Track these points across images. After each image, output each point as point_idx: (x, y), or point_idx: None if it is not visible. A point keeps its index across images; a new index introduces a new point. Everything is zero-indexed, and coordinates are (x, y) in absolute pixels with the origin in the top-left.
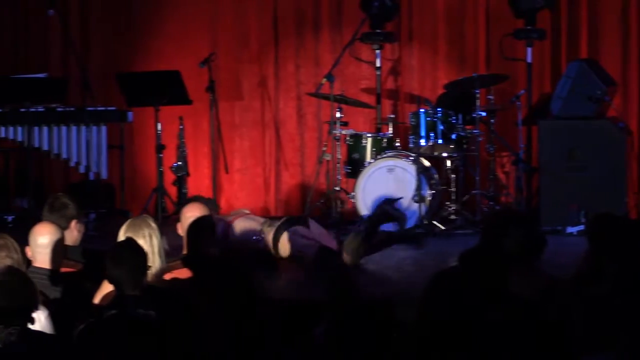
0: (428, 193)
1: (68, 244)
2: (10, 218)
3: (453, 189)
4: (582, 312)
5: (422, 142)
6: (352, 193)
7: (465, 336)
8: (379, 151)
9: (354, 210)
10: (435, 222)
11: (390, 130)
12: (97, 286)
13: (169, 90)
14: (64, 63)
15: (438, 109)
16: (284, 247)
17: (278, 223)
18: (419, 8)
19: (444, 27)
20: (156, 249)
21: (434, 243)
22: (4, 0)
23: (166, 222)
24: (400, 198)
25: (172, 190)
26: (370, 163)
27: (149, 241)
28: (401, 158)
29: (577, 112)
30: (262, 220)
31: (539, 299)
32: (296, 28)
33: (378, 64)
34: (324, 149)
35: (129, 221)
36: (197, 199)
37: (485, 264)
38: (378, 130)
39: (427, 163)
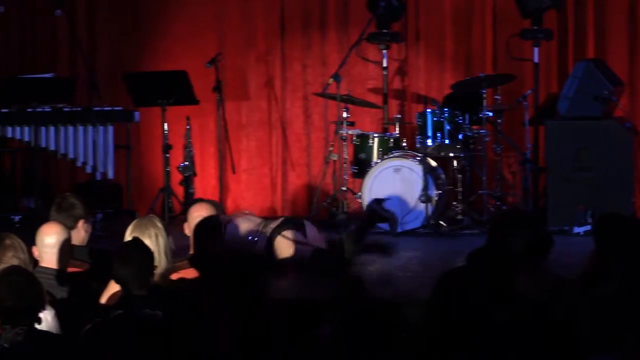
0: (435, 193)
1: (75, 243)
2: (17, 218)
3: (460, 189)
4: (589, 312)
5: (429, 142)
6: (359, 193)
7: (472, 336)
8: (385, 151)
9: (361, 211)
10: (441, 222)
11: (397, 130)
12: (103, 286)
13: (176, 90)
14: (71, 63)
15: (445, 109)
16: (279, 249)
17: (273, 225)
18: (426, 8)
19: (451, 27)
20: (162, 249)
21: (440, 243)
22: (11, 1)
23: (173, 222)
24: (389, 198)
25: (179, 190)
26: (376, 163)
27: (155, 241)
28: (408, 158)
29: (584, 112)
30: (259, 221)
31: (546, 299)
32: (303, 28)
33: (385, 64)
34: (331, 149)
35: (135, 221)
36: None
37: (492, 263)
38: (385, 130)
39: (433, 163)
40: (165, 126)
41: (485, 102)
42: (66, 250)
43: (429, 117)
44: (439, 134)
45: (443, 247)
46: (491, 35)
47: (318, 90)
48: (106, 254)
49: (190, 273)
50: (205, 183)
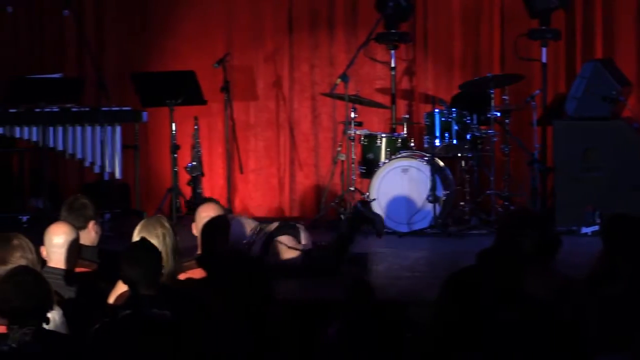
0: (442, 193)
1: (84, 244)
2: (25, 218)
3: (467, 189)
4: (597, 312)
5: (437, 142)
6: (367, 193)
7: (480, 336)
8: (393, 151)
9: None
10: (449, 223)
11: (405, 130)
12: (111, 286)
13: (184, 90)
14: (79, 63)
15: (453, 109)
16: (280, 252)
17: (269, 230)
18: (434, 8)
19: (459, 27)
20: (170, 249)
21: (448, 243)
22: (19, 1)
23: (181, 222)
24: (374, 199)
25: (187, 191)
26: (384, 163)
27: (163, 241)
28: (416, 158)
29: (592, 113)
30: (254, 224)
31: (554, 299)
32: (311, 28)
33: (393, 64)
34: (339, 149)
35: (143, 221)
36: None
37: (501, 263)
38: (393, 130)
39: (441, 163)
40: (173, 126)
41: (493, 102)
42: (74, 250)
43: (437, 117)
44: (446, 134)
45: (451, 247)
46: (499, 35)
47: (326, 91)
48: (114, 254)
49: (198, 273)
50: (213, 183)
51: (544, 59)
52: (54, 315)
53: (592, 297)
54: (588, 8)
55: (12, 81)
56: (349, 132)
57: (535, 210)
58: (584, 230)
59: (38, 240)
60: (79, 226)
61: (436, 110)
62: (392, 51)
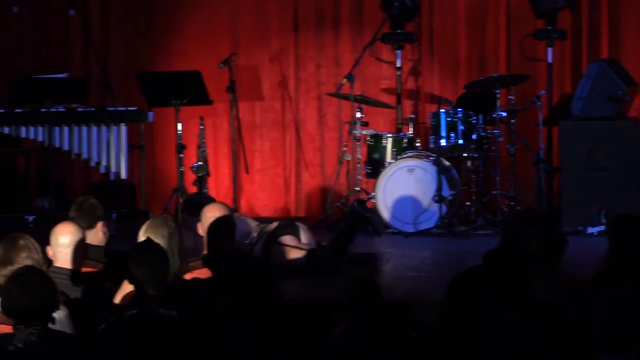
0: (448, 193)
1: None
2: (31, 218)
3: (473, 190)
4: (602, 313)
5: (443, 142)
6: (373, 193)
7: (486, 335)
8: (399, 151)
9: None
10: (455, 223)
11: (411, 130)
12: (118, 286)
13: (189, 90)
14: (85, 63)
15: (458, 109)
16: (285, 252)
17: (269, 230)
18: (440, 8)
19: (465, 27)
20: (175, 249)
21: (454, 243)
22: (25, 1)
23: (186, 222)
24: (371, 198)
25: (193, 191)
26: (390, 163)
27: (169, 241)
28: (422, 158)
29: (597, 113)
30: (254, 224)
31: (560, 299)
32: (316, 28)
33: (398, 64)
34: (344, 149)
35: (148, 221)
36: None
37: (507, 263)
38: (398, 130)
39: (447, 163)
40: (179, 126)
41: (499, 103)
42: (80, 250)
43: (443, 117)
44: (452, 134)
45: (456, 247)
46: (505, 35)
47: (332, 91)
48: (120, 254)
49: (204, 273)
50: (219, 183)
51: (549, 59)
52: (60, 315)
53: (598, 297)
54: (594, 8)
55: (18, 81)
56: (354, 132)
57: (541, 211)
58: (590, 230)
59: (44, 240)
60: (87, 226)
61: (442, 110)
62: (398, 51)
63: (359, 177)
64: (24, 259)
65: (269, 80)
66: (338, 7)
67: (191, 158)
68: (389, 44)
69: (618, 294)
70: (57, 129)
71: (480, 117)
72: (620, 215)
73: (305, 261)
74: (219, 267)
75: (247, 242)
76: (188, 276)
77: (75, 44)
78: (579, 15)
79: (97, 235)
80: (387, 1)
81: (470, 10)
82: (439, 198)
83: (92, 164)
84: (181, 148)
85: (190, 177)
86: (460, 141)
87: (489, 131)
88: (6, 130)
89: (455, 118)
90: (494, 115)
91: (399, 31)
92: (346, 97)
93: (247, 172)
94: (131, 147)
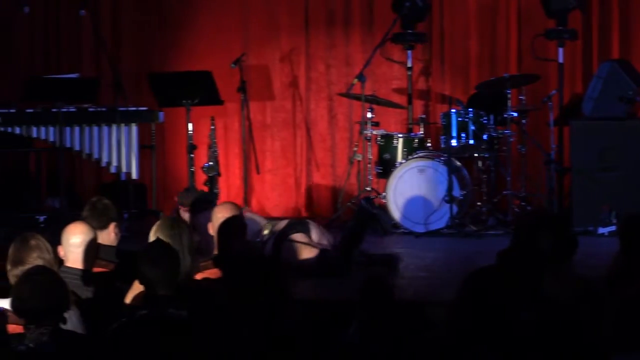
0: (459, 193)
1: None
2: (42, 218)
3: (484, 190)
4: (614, 313)
5: (454, 142)
6: (383, 194)
7: (497, 336)
8: (410, 151)
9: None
10: (466, 223)
11: (422, 130)
12: (129, 286)
13: (200, 90)
14: (96, 63)
15: (469, 109)
16: (297, 251)
17: (279, 227)
18: (450, 8)
19: (476, 27)
20: (186, 249)
21: (465, 243)
22: (36, 1)
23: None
24: (378, 195)
25: (204, 191)
26: (401, 163)
27: (179, 241)
28: (432, 158)
29: (608, 113)
30: (264, 222)
31: (571, 299)
32: (327, 28)
33: (409, 64)
34: (355, 149)
35: (159, 221)
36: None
37: (521, 263)
38: (409, 130)
39: (458, 163)
40: (190, 126)
41: (509, 103)
42: (92, 250)
43: (454, 117)
44: (463, 134)
45: (467, 247)
46: (516, 35)
47: (342, 91)
48: (131, 254)
49: (214, 273)
50: (230, 183)
51: (560, 59)
52: (71, 315)
53: (609, 297)
54: (604, 8)
55: (29, 81)
56: (365, 132)
57: (552, 211)
58: (601, 230)
59: (55, 241)
60: (99, 227)
61: (453, 110)
62: (409, 51)
63: (370, 177)
64: (35, 259)
65: (279, 80)
66: (349, 7)
67: (202, 158)
68: (400, 44)
69: (630, 293)
70: (68, 129)
71: (491, 117)
72: (631, 216)
73: (316, 261)
74: (229, 267)
75: (258, 240)
76: (199, 276)
77: (86, 44)
78: (590, 15)
79: (109, 236)
80: (398, 1)
81: (481, 10)
82: (449, 198)
83: (103, 164)
84: (192, 148)
85: (201, 177)
86: (471, 141)
87: (499, 131)
88: (17, 130)
89: (466, 118)
90: (505, 116)
91: (409, 31)
92: (357, 97)
93: (258, 172)
94: (142, 147)
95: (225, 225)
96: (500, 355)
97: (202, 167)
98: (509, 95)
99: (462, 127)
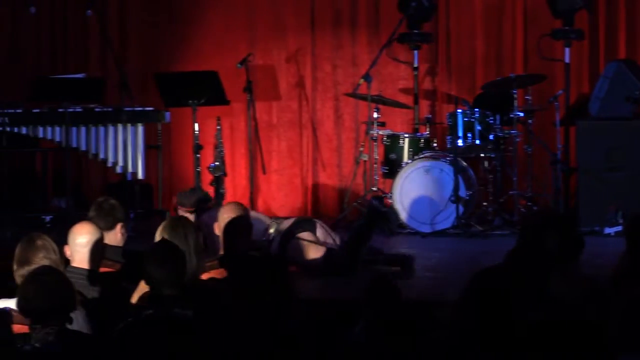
0: (465, 193)
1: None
2: (48, 218)
3: (490, 190)
4: (620, 313)
5: (460, 142)
6: (389, 194)
7: (503, 336)
8: (416, 152)
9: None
10: (472, 223)
11: (428, 130)
12: (135, 286)
13: (206, 90)
14: (102, 63)
15: (475, 110)
16: (305, 250)
17: (285, 226)
18: (457, 8)
19: (482, 27)
20: (192, 249)
21: (471, 244)
22: (43, 1)
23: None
24: (388, 194)
25: (210, 191)
26: (407, 163)
27: (185, 241)
28: (438, 159)
29: (615, 113)
30: (270, 221)
31: (577, 299)
32: (333, 28)
33: (415, 64)
34: (361, 149)
35: (165, 221)
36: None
37: (527, 263)
38: (415, 130)
39: (464, 164)
40: (196, 126)
41: (516, 103)
42: (98, 250)
43: (460, 117)
44: (469, 135)
45: (473, 247)
46: (522, 35)
47: (348, 91)
48: (137, 254)
49: (220, 273)
50: (236, 183)
51: (567, 59)
52: (77, 315)
53: (615, 297)
54: (611, 8)
55: (36, 81)
56: (371, 132)
57: (558, 211)
58: (607, 230)
59: (61, 241)
60: (106, 227)
61: (459, 110)
62: (415, 51)
63: (376, 177)
64: (41, 259)
65: (285, 81)
66: (355, 7)
67: (208, 158)
68: (406, 44)
69: (636, 293)
70: (74, 129)
71: (497, 117)
72: (637, 216)
73: (322, 260)
74: (234, 267)
75: (264, 239)
76: (204, 276)
77: (92, 44)
78: (596, 15)
79: (116, 236)
80: (404, 1)
81: (487, 10)
82: (455, 198)
83: (109, 164)
84: (198, 148)
85: (208, 177)
86: (477, 141)
87: (506, 131)
88: (24, 130)
89: (472, 118)
90: (511, 116)
91: (415, 31)
92: (363, 97)
93: (264, 172)
94: (148, 147)
95: (231, 226)
96: (506, 356)
97: (208, 167)
98: (515, 95)
99: (468, 127)
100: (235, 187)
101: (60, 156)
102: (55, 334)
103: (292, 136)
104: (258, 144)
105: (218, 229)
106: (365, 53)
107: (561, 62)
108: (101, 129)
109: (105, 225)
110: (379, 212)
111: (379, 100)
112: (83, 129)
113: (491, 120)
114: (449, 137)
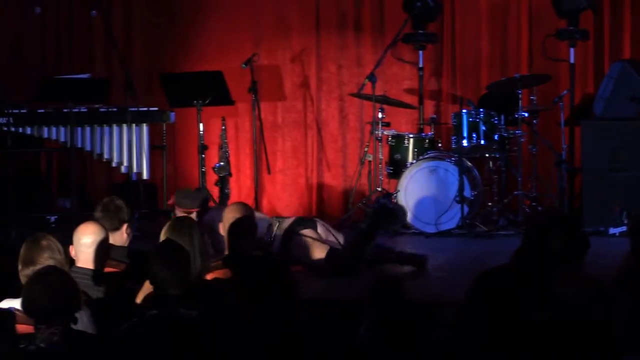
0: (470, 194)
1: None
2: (53, 218)
3: (495, 190)
4: (625, 313)
5: (464, 142)
6: (394, 194)
7: (508, 336)
8: (421, 152)
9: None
10: (477, 223)
11: (433, 130)
12: (140, 286)
13: (211, 90)
14: (107, 63)
15: (480, 110)
16: (309, 249)
17: (286, 225)
18: (462, 8)
19: (487, 27)
20: (197, 250)
21: (475, 244)
22: (48, 2)
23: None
24: (397, 192)
25: (215, 191)
26: (412, 164)
27: (190, 241)
28: (443, 159)
29: (619, 113)
30: (270, 220)
31: (582, 299)
32: (338, 28)
33: (420, 64)
34: (366, 149)
35: (170, 221)
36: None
37: (533, 263)
38: (420, 130)
39: (469, 164)
40: (201, 126)
41: (521, 103)
42: (103, 250)
43: (465, 117)
44: (474, 135)
45: (478, 247)
46: (527, 35)
47: (353, 91)
48: (142, 254)
49: (225, 273)
50: (241, 183)
51: (572, 59)
52: (82, 315)
53: (620, 297)
54: (616, 8)
55: (41, 81)
56: (376, 132)
57: (563, 211)
58: (612, 231)
59: (66, 241)
60: (112, 228)
61: (464, 110)
62: (420, 51)
63: (381, 177)
64: (46, 260)
65: (290, 81)
66: (359, 7)
67: (213, 158)
68: (411, 44)
69: None
70: (79, 129)
71: (502, 117)
72: None
73: (325, 260)
74: (239, 267)
75: (266, 238)
76: (209, 276)
77: (97, 45)
78: (601, 16)
79: (121, 237)
80: (409, 1)
81: (492, 11)
82: (460, 199)
83: (114, 164)
84: (203, 148)
85: (212, 177)
86: (482, 142)
87: (510, 132)
88: (29, 130)
89: (477, 118)
90: (516, 116)
91: (420, 31)
92: (368, 98)
93: (269, 173)
94: (153, 147)
95: (235, 226)
96: (511, 356)
97: (213, 168)
98: (520, 96)
99: (473, 128)
100: (240, 187)
101: (65, 156)
102: (60, 334)
103: (297, 136)
104: (263, 144)
105: (223, 229)
106: (370, 53)
107: (566, 63)
108: (106, 129)
109: (111, 225)
110: (387, 209)
111: (384, 101)
112: (88, 129)
113: (496, 120)
114: (453, 138)
